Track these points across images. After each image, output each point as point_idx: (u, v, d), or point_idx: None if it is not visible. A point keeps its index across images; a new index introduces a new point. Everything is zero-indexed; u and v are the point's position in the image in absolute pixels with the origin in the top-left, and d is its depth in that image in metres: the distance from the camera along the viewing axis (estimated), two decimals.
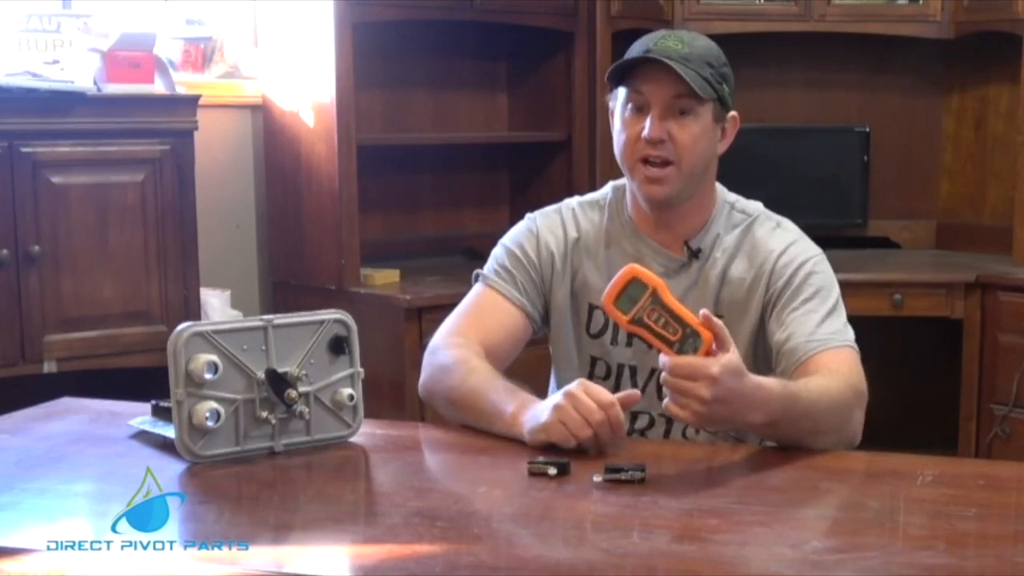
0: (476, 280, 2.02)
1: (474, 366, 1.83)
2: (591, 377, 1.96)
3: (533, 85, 4.14)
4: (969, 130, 4.26)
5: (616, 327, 1.94)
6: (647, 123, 1.84)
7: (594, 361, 1.98)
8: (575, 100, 3.96)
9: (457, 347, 1.88)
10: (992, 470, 1.79)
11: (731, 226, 1.95)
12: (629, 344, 1.94)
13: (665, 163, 1.85)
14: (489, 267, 2.01)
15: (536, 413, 1.68)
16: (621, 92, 1.88)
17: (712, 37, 3.81)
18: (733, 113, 1.93)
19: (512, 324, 1.96)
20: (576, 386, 1.65)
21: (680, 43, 1.84)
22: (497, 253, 2.02)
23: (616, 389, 1.94)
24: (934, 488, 1.56)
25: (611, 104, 1.93)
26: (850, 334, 1.86)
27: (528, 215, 2.04)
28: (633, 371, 1.95)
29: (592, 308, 1.97)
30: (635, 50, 1.87)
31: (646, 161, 1.86)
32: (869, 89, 4.35)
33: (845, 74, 4.35)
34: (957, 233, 4.29)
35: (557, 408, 1.63)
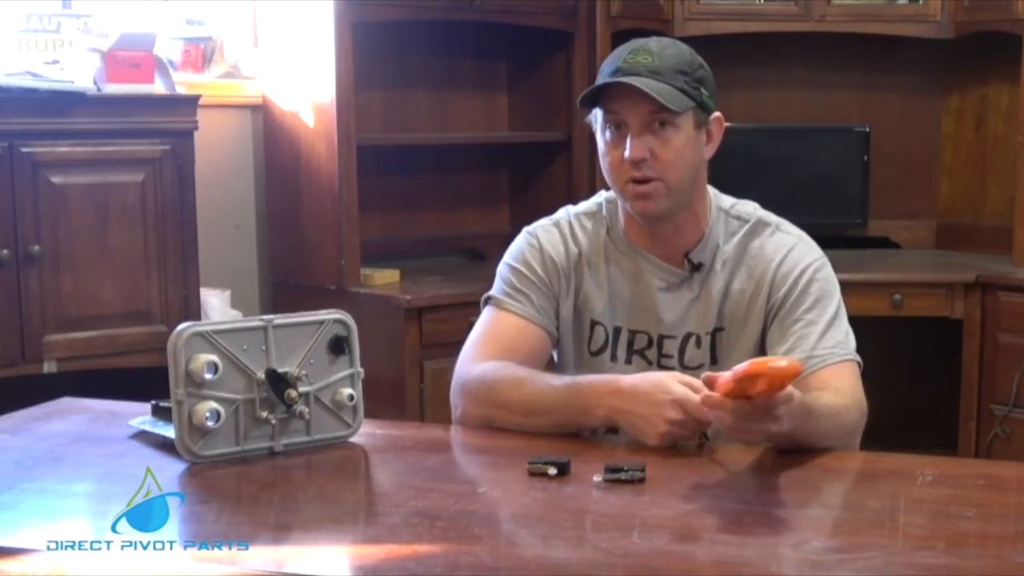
0: (485, 304, 1.96)
1: (522, 375, 1.79)
2: None
3: (533, 85, 4.14)
4: (969, 130, 4.25)
5: (615, 343, 1.94)
6: (627, 144, 1.81)
7: None
8: (575, 100, 3.94)
9: (490, 364, 1.83)
10: (992, 470, 1.79)
11: (729, 234, 1.93)
12: (629, 362, 1.93)
13: (650, 179, 1.83)
14: (498, 289, 1.95)
15: (636, 421, 1.67)
16: (598, 113, 1.85)
17: (712, 37, 3.81)
18: (716, 114, 1.88)
19: (534, 342, 1.91)
20: (681, 397, 1.65)
21: (649, 56, 1.80)
22: (504, 274, 1.96)
23: None
24: (934, 488, 1.55)
25: (592, 124, 1.90)
26: (851, 343, 1.85)
27: (526, 230, 2.00)
28: None
29: (594, 324, 1.95)
30: (606, 68, 1.83)
31: (634, 180, 1.83)
32: (869, 89, 4.35)
33: (845, 74, 4.35)
34: (957, 233, 4.29)
35: (672, 426, 1.65)
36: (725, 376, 1.54)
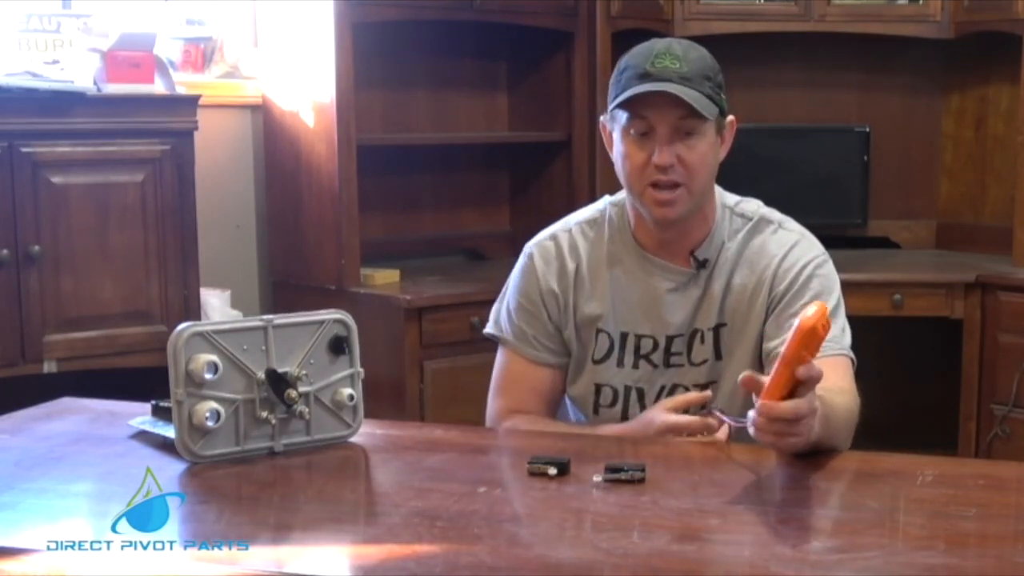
0: (488, 330, 2.02)
1: (536, 433, 1.87)
2: (597, 406, 1.95)
3: (533, 85, 4.14)
4: (969, 130, 4.25)
5: (622, 349, 1.94)
6: (656, 149, 1.81)
7: (599, 389, 1.95)
8: (575, 100, 3.96)
9: (512, 423, 1.94)
10: (992, 470, 1.79)
11: (733, 231, 1.94)
12: (636, 366, 1.93)
13: (675, 185, 1.83)
14: (505, 325, 1.99)
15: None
16: (622, 116, 1.84)
17: (712, 37, 3.80)
18: (731, 118, 1.91)
19: (548, 382, 1.98)
20: (666, 426, 1.77)
21: (676, 60, 1.80)
22: (511, 308, 1.99)
23: (624, 414, 1.94)
24: (934, 488, 1.55)
25: (608, 126, 1.90)
26: (847, 340, 1.86)
27: (525, 249, 2.01)
28: (641, 393, 1.93)
29: (598, 333, 1.95)
30: (630, 70, 1.82)
31: (655, 185, 1.84)
32: (869, 89, 4.35)
33: (845, 74, 4.35)
34: (957, 233, 4.29)
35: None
36: (773, 371, 1.53)
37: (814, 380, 1.53)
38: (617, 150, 1.88)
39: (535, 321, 1.96)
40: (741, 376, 1.58)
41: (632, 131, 1.83)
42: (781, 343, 1.82)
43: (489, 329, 2.02)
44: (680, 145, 1.82)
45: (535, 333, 1.96)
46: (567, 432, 1.87)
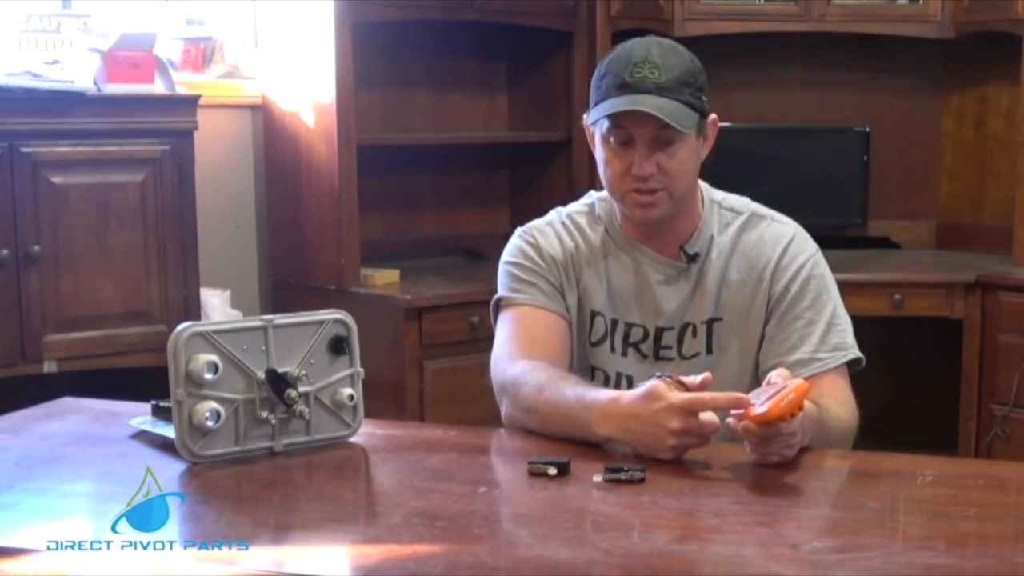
0: (496, 309, 1.96)
1: (544, 380, 1.75)
2: None
3: (533, 85, 4.14)
4: (969, 130, 4.25)
5: (613, 336, 1.95)
6: (635, 160, 1.82)
7: (593, 371, 1.96)
8: (575, 100, 3.96)
9: (520, 366, 1.82)
10: (992, 470, 1.79)
11: (723, 225, 1.95)
12: (625, 354, 1.94)
13: (655, 190, 1.84)
14: (505, 288, 1.96)
15: (642, 439, 1.59)
16: (603, 123, 1.84)
17: (712, 37, 3.79)
18: (712, 117, 1.90)
19: (555, 328, 1.91)
20: (682, 411, 1.56)
21: (655, 70, 1.79)
22: (507, 272, 1.96)
23: None
24: (934, 488, 1.55)
25: (590, 126, 1.90)
26: (851, 337, 1.88)
27: (519, 231, 2.00)
28: (630, 381, 1.93)
29: (594, 315, 1.96)
30: (610, 77, 1.82)
31: (637, 190, 1.84)
32: (869, 89, 4.35)
33: (845, 74, 4.35)
34: (957, 233, 4.29)
35: (678, 436, 1.57)
36: (757, 411, 1.54)
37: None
38: (599, 154, 1.89)
39: (535, 274, 1.94)
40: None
41: (612, 140, 1.84)
42: (789, 349, 1.86)
43: (492, 311, 1.98)
44: (660, 154, 1.82)
45: (535, 282, 1.93)
46: (561, 401, 1.70)
